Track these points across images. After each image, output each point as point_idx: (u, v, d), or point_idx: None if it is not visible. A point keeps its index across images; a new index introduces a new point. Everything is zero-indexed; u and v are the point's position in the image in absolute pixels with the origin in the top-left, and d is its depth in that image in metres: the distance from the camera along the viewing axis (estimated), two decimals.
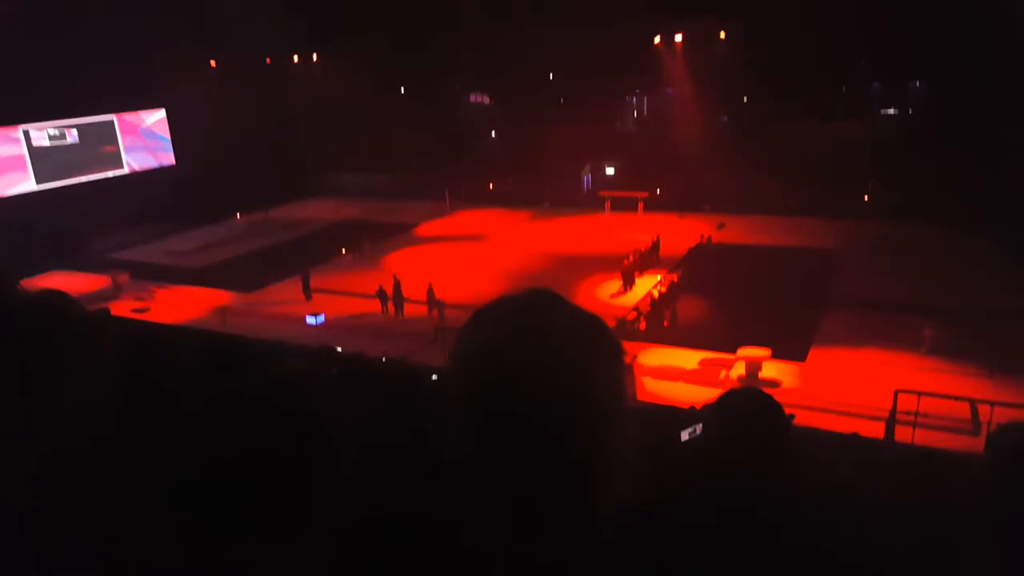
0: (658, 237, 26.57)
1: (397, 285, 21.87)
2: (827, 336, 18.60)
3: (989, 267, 22.80)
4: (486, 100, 41.88)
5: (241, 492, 1.00)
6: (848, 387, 15.66)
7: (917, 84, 33.37)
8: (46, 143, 33.21)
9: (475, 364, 0.92)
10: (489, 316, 0.96)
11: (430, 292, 21.15)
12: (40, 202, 31.11)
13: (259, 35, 33.54)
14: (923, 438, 11.88)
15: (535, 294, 0.98)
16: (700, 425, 1.89)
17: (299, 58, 40.67)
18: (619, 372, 0.94)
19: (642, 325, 20.01)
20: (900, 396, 13.43)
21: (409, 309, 21.52)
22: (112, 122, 36.02)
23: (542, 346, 0.89)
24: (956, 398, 13.77)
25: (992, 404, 12.60)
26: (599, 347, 0.93)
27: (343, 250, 28.44)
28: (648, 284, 23.40)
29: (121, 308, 21.12)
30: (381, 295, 21.85)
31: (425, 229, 33.08)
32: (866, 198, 29.15)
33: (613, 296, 22.61)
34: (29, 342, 1.33)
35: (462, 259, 27.38)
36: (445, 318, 19.18)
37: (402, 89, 41.24)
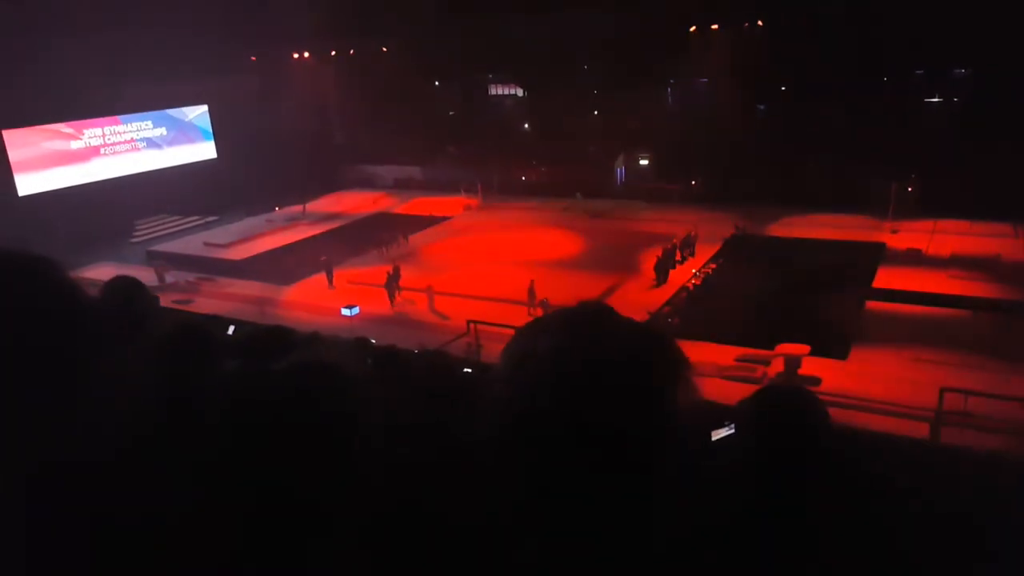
0: (694, 229, 26.21)
1: (395, 274, 22.61)
2: (870, 332, 18.11)
3: None
4: (519, 91, 41.77)
5: (285, 479, 1.01)
6: (892, 385, 15.16)
7: (963, 71, 32.26)
8: (95, 139, 34.33)
9: (524, 369, 0.92)
10: (541, 327, 0.97)
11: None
12: (87, 195, 32.07)
13: (298, 30, 34.02)
14: (971, 439, 11.48)
15: (587, 308, 0.98)
16: (733, 424, 1.84)
17: (336, 52, 41.13)
18: (672, 388, 0.91)
19: (676, 320, 19.80)
20: (946, 395, 13.05)
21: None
22: (158, 118, 37.08)
23: (590, 358, 0.88)
24: (1005, 398, 13.25)
25: None
26: (652, 363, 0.91)
27: (379, 243, 28.68)
28: (683, 278, 23.14)
29: (164, 300, 21.61)
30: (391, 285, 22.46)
31: (459, 221, 33.22)
32: (909, 189, 28.28)
33: (647, 289, 22.42)
34: (107, 321, 1.35)
35: (496, 251, 27.41)
36: None
37: (436, 82, 41.38)
